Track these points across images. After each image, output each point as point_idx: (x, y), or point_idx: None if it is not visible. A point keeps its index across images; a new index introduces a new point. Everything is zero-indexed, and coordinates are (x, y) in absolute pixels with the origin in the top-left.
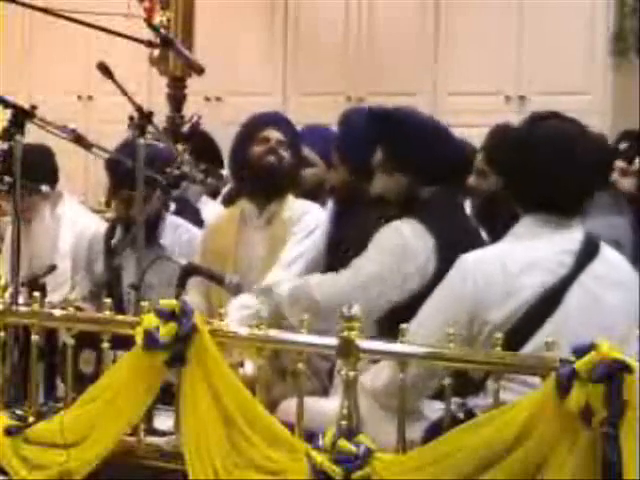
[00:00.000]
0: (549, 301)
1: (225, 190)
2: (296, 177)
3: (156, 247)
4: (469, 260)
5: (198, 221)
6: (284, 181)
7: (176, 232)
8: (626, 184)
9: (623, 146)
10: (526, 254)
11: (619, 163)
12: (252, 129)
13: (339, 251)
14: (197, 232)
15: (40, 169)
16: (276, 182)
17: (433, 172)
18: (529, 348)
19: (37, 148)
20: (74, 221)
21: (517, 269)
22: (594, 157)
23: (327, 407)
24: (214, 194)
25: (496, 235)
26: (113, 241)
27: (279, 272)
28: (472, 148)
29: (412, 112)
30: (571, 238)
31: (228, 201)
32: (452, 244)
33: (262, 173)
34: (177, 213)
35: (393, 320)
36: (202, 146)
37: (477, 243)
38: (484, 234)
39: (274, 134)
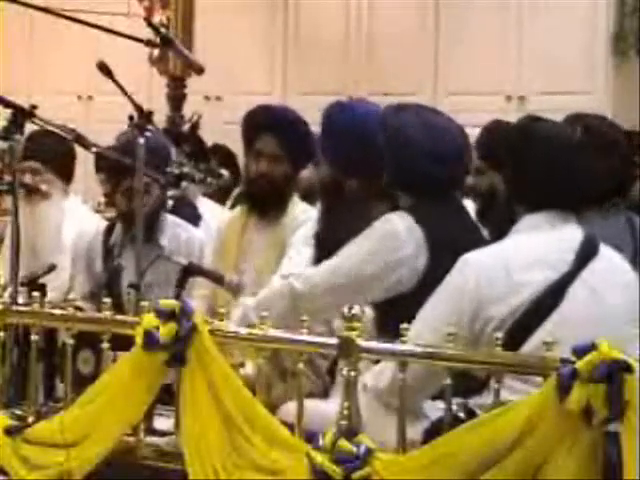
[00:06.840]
0: (552, 296)
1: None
2: (296, 183)
3: (155, 246)
4: (470, 259)
5: (197, 222)
6: (280, 197)
7: (175, 231)
8: None
9: None
10: (528, 251)
11: None
12: (248, 132)
13: (326, 248)
14: (196, 232)
15: (60, 159)
16: (270, 201)
17: (407, 184)
18: (532, 343)
19: (65, 141)
20: (77, 217)
21: (519, 266)
22: (593, 158)
23: (327, 410)
24: (224, 195)
25: (499, 233)
26: (112, 240)
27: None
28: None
29: (408, 120)
30: (571, 236)
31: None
32: (445, 240)
33: (256, 194)
34: (176, 213)
35: (387, 318)
36: (194, 148)
37: (475, 241)
38: (486, 233)
39: (268, 146)
